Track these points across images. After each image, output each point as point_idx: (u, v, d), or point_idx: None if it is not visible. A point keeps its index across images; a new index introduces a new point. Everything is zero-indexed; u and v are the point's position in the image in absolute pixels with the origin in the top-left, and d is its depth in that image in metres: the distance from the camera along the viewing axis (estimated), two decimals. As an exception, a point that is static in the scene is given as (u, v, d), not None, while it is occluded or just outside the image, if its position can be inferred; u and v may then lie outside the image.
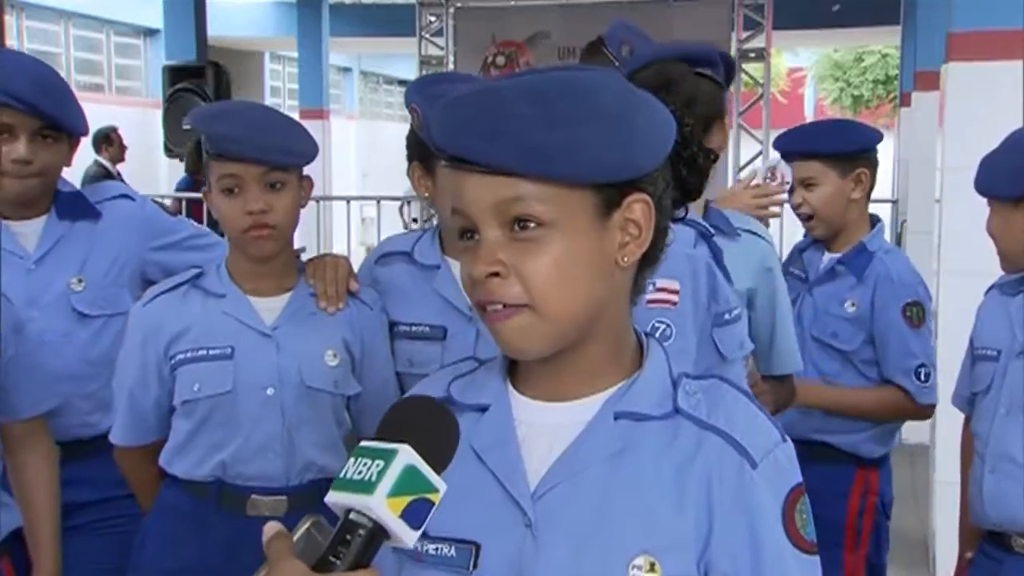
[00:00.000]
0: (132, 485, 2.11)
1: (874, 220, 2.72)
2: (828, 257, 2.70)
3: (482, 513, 1.03)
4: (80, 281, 2.22)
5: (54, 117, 2.13)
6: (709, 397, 1.05)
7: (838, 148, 2.62)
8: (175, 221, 2.41)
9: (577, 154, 0.97)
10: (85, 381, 2.22)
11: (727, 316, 1.80)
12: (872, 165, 2.67)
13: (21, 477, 2.00)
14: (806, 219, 2.70)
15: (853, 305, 2.61)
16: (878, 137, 2.71)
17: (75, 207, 2.26)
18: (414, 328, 1.97)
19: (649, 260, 1.08)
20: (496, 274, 0.99)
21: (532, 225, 0.98)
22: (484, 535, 1.03)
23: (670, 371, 1.07)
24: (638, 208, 1.02)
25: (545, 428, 1.06)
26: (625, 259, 1.03)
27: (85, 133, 2.24)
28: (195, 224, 2.57)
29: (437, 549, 1.03)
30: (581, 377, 1.06)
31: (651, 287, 1.54)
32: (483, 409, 1.09)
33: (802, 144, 2.68)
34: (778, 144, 2.74)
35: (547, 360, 1.05)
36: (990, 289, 2.30)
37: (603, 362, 1.06)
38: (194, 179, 6.65)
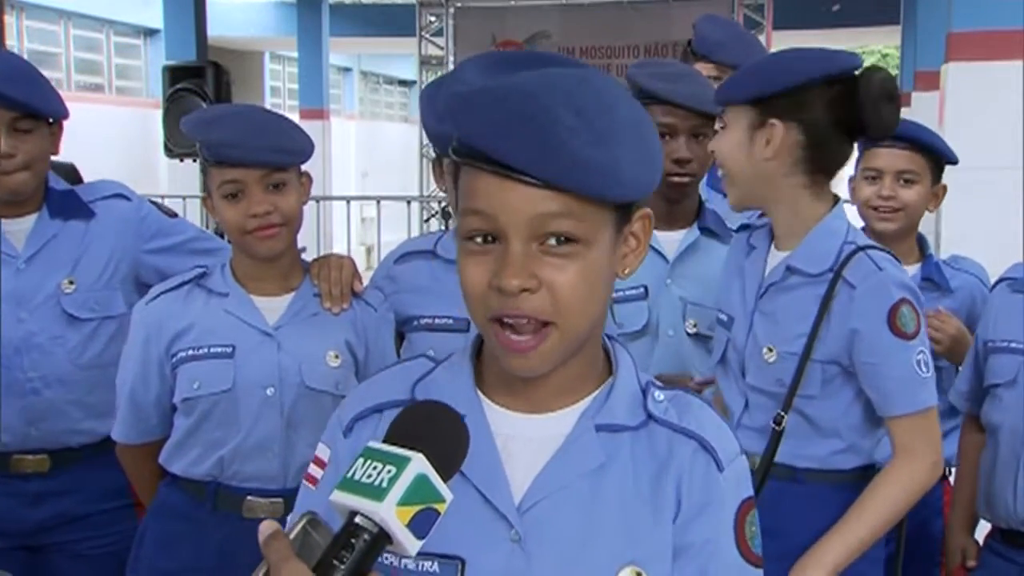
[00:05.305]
0: (134, 483, 2.11)
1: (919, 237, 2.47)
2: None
3: (465, 528, 1.00)
4: (71, 283, 2.15)
5: (26, 104, 2.04)
6: (676, 405, 1.06)
7: (948, 151, 2.31)
8: (174, 223, 2.29)
9: (621, 173, 0.95)
10: (75, 386, 2.15)
11: None
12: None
13: None
14: (887, 212, 2.30)
15: None
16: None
17: (67, 205, 2.18)
18: (437, 320, 1.98)
19: None
20: (527, 289, 0.95)
21: (566, 241, 0.96)
22: (469, 550, 1.01)
23: (638, 377, 1.08)
24: (639, 222, 1.03)
25: (524, 441, 1.04)
26: (626, 271, 1.03)
27: (65, 116, 2.14)
28: (197, 226, 2.45)
29: (418, 565, 1.00)
30: (560, 389, 1.05)
31: None
32: None
33: (910, 127, 2.25)
34: None
35: None
36: (996, 284, 2.23)
37: (581, 373, 1.06)
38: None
